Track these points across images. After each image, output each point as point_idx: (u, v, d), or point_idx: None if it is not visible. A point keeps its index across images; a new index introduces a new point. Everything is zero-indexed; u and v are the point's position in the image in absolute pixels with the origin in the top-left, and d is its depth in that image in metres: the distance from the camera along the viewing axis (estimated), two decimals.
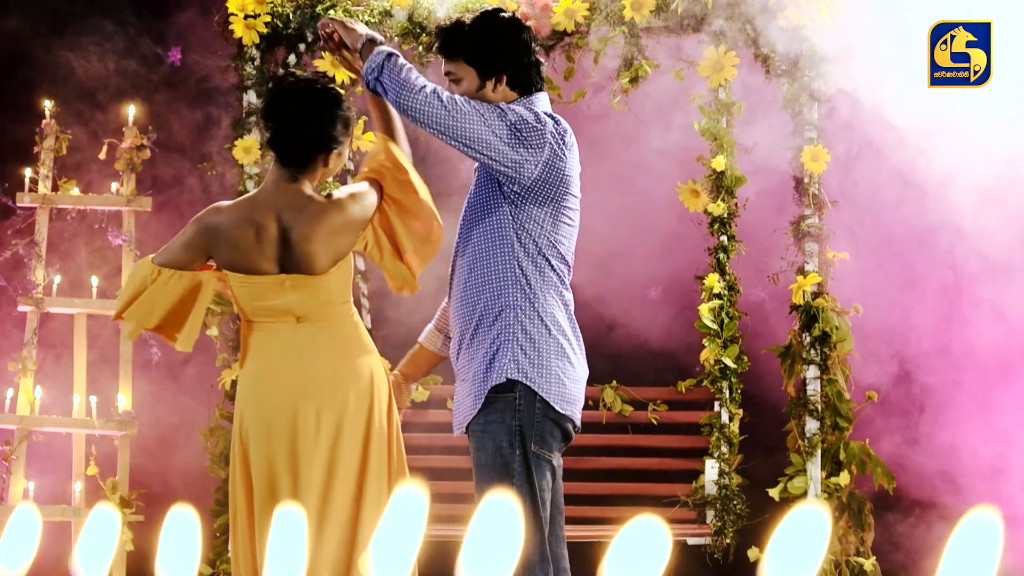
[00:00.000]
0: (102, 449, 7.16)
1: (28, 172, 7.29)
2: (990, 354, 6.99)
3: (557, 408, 4.43)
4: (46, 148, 7.30)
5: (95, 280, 7.27)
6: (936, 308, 7.05)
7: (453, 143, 4.41)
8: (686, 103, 6.84)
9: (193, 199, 7.48)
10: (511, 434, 4.40)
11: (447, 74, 4.59)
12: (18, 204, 7.26)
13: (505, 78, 4.52)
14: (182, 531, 2.01)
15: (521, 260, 4.44)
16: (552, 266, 4.48)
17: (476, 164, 4.57)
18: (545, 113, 4.49)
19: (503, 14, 4.58)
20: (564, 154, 4.46)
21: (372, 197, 4.65)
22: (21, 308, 7.20)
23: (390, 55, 4.44)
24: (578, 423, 4.54)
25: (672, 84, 6.80)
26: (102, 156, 7.34)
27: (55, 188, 7.29)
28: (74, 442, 7.17)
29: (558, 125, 4.49)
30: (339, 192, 4.70)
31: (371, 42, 4.52)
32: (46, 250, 7.25)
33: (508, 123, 4.40)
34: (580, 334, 4.57)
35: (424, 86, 4.39)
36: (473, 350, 4.49)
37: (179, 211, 7.58)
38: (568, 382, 4.46)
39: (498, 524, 1.79)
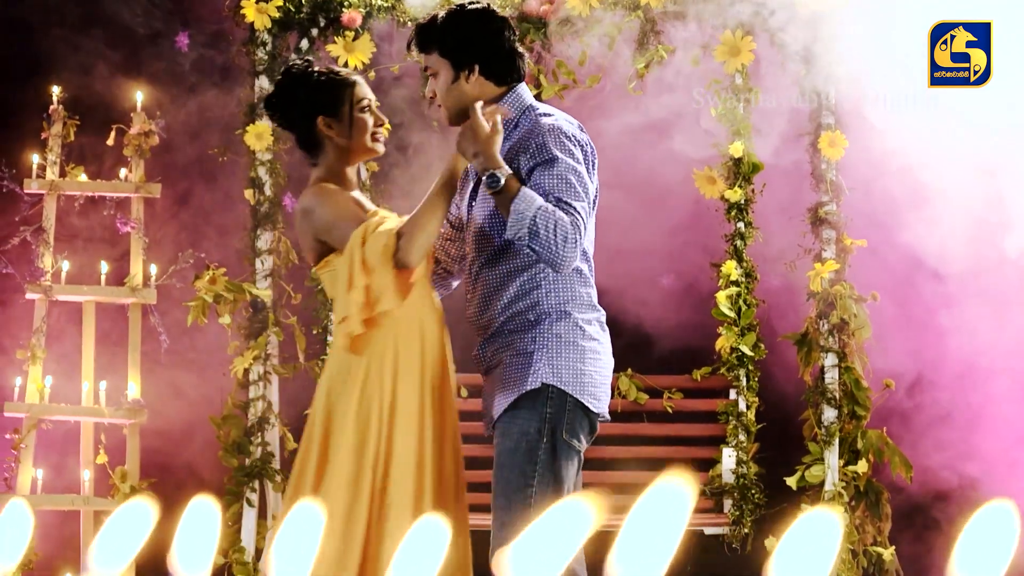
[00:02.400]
0: (111, 437, 7.11)
1: (36, 158, 7.22)
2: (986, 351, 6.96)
3: (591, 408, 4.45)
4: (53, 134, 7.24)
5: (104, 267, 7.21)
6: (928, 308, 7.01)
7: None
8: (692, 88, 6.80)
9: (203, 186, 7.42)
10: (541, 421, 4.38)
11: (424, 69, 4.61)
12: (25, 190, 7.20)
13: (478, 68, 4.52)
14: (201, 522, 1.93)
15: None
16: (588, 260, 4.53)
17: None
18: (570, 130, 4.44)
19: (475, 6, 4.58)
20: (593, 159, 4.49)
21: (335, 228, 4.48)
22: (29, 295, 7.14)
23: (534, 221, 4.27)
24: (606, 416, 4.55)
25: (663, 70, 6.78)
26: (110, 142, 7.28)
27: (63, 174, 7.23)
28: (83, 430, 7.11)
29: (580, 131, 4.48)
30: (314, 191, 4.57)
31: (490, 171, 4.34)
32: (54, 237, 7.19)
33: (589, 188, 4.39)
34: (606, 324, 4.56)
35: (568, 238, 4.27)
36: (506, 354, 4.46)
37: (189, 198, 7.53)
38: (599, 378, 4.49)
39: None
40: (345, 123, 4.57)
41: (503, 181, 4.28)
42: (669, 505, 1.73)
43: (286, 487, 4.59)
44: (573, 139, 4.41)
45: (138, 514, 1.89)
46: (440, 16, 4.57)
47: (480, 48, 4.52)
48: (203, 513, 1.90)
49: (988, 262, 6.78)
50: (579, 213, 4.28)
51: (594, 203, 4.46)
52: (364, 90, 4.62)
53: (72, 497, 7.01)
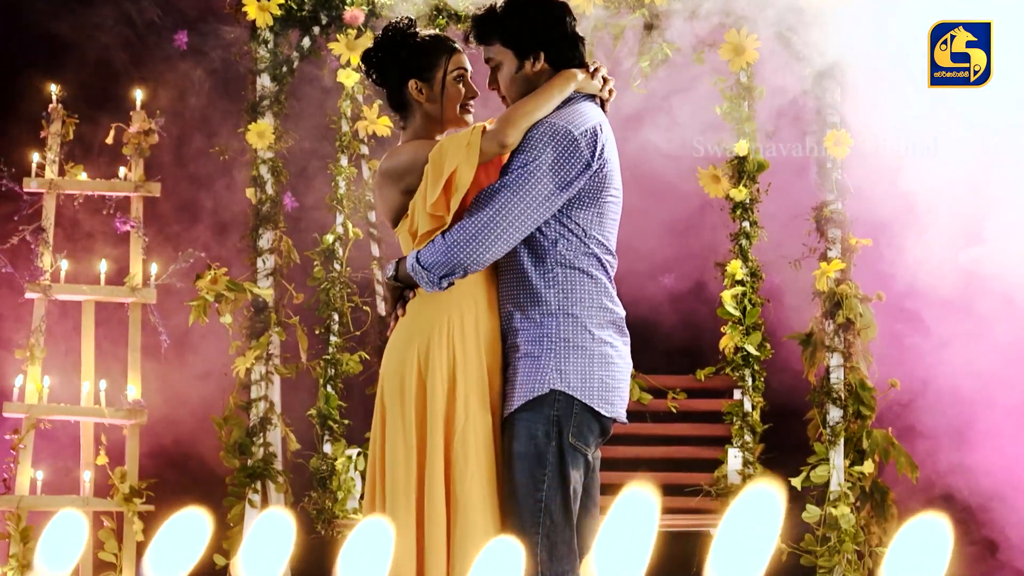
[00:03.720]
0: (111, 438, 7.07)
1: (35, 157, 7.18)
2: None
3: (602, 412, 4.40)
4: (53, 133, 7.20)
5: (104, 265, 7.17)
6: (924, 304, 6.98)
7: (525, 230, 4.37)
8: (692, 87, 6.77)
9: (204, 185, 7.38)
10: (548, 424, 4.34)
11: (487, 61, 4.52)
12: (25, 189, 7.15)
13: (543, 55, 4.45)
14: (272, 532, 1.89)
15: (567, 266, 4.40)
16: (601, 262, 4.45)
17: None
18: (562, 127, 4.38)
19: None
20: (602, 156, 4.40)
21: (415, 165, 4.40)
22: (28, 295, 7.10)
23: (412, 269, 4.40)
24: (622, 419, 4.49)
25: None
26: (109, 141, 7.24)
27: (62, 173, 7.19)
28: (82, 431, 7.07)
29: (587, 135, 4.38)
30: (391, 151, 4.53)
31: (393, 277, 4.51)
32: (53, 236, 7.15)
33: (556, 182, 4.33)
34: (625, 327, 4.49)
35: (443, 240, 4.33)
36: (516, 351, 4.42)
37: (189, 197, 7.49)
38: (612, 382, 4.43)
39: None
40: (436, 90, 4.49)
41: (391, 269, 4.48)
42: (762, 510, 1.69)
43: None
44: (559, 136, 4.33)
45: (193, 523, 1.84)
46: (499, 5, 4.48)
47: (544, 34, 4.45)
48: (275, 522, 1.86)
49: (975, 277, 6.75)
50: (464, 219, 4.32)
51: (592, 200, 4.37)
52: (461, 59, 4.52)
53: (72, 498, 6.96)
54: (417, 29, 4.52)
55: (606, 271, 4.46)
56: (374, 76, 4.56)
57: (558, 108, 4.42)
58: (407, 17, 4.57)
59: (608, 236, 4.47)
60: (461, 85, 4.50)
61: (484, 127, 4.38)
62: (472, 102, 4.54)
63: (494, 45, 4.47)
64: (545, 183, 4.30)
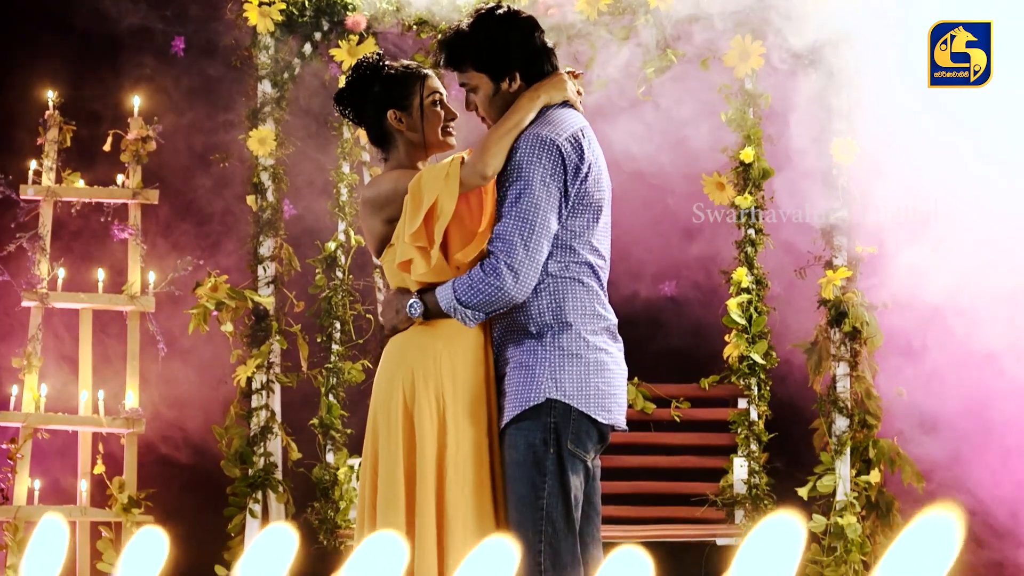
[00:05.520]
0: (109, 447, 7.01)
1: (32, 164, 7.12)
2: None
3: (599, 419, 4.38)
4: (49, 140, 7.14)
5: (101, 274, 7.11)
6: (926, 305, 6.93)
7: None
8: (692, 94, 6.73)
9: (204, 192, 7.33)
10: (546, 431, 4.32)
11: (462, 85, 4.48)
12: (22, 197, 7.09)
13: (519, 75, 4.41)
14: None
15: (560, 276, 4.36)
16: (593, 269, 4.42)
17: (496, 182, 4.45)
18: (552, 139, 4.34)
19: (499, 11, 4.45)
20: (588, 159, 4.38)
21: (395, 194, 4.38)
22: (25, 303, 7.04)
23: (453, 310, 4.33)
24: (621, 425, 4.46)
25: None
26: (107, 148, 7.18)
27: (59, 180, 7.13)
28: (80, 440, 7.01)
29: (571, 141, 4.34)
30: (374, 179, 4.54)
31: (409, 303, 4.40)
32: (50, 243, 7.09)
33: (557, 191, 4.31)
34: (617, 333, 4.47)
35: (486, 279, 4.27)
36: (508, 366, 4.39)
37: (187, 204, 7.44)
38: (608, 389, 4.41)
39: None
40: (416, 117, 4.46)
41: (419, 307, 4.35)
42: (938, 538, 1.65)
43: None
44: (545, 146, 4.30)
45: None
46: (465, 28, 4.43)
47: (517, 54, 4.40)
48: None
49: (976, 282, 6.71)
50: (498, 255, 4.27)
51: (583, 206, 4.34)
52: (435, 83, 4.50)
53: (69, 508, 6.90)
54: (386, 62, 4.51)
55: (598, 277, 4.43)
56: (351, 115, 4.56)
57: (535, 119, 4.39)
58: (376, 52, 4.57)
59: (601, 240, 4.45)
60: (439, 109, 4.48)
61: (462, 158, 4.35)
62: (453, 124, 4.51)
63: (467, 71, 4.43)
64: (552, 194, 4.29)
